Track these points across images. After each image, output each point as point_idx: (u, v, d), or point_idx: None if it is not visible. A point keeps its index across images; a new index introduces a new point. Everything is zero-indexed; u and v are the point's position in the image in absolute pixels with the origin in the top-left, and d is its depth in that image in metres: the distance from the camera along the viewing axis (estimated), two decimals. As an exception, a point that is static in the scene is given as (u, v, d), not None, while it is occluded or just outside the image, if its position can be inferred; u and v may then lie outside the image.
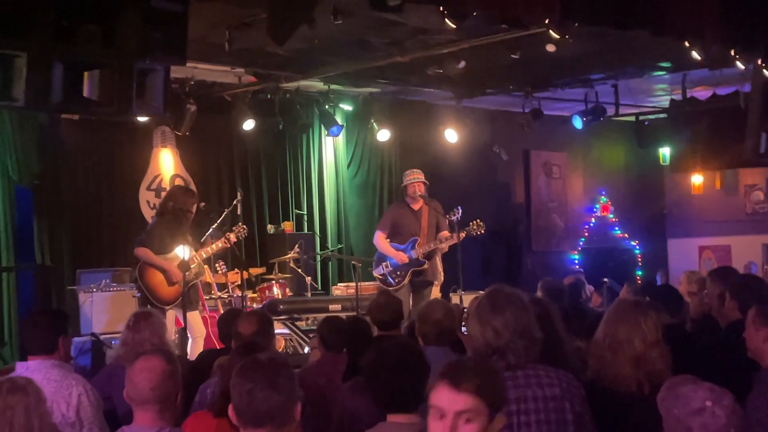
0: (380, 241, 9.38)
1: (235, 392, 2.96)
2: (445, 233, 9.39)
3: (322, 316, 8.79)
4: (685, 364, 3.68)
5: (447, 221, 9.48)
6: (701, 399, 2.92)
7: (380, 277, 9.35)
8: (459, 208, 9.57)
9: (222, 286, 9.70)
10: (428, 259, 9.35)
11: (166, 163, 10.68)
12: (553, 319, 4.14)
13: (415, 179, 9.39)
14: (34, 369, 4.27)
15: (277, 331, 8.40)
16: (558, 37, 7.05)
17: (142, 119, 9.30)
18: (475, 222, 9.37)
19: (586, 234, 14.72)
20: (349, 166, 12.24)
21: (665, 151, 14.72)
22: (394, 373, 3.26)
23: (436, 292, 9.70)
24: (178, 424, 3.54)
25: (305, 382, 4.93)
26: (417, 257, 9.23)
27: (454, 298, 9.57)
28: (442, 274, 9.92)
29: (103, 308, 8.89)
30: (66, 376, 4.32)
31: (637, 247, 14.64)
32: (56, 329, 4.54)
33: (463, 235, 9.23)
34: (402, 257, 9.21)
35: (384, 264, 9.30)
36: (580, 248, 14.53)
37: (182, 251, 7.84)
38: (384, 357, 3.35)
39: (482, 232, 9.42)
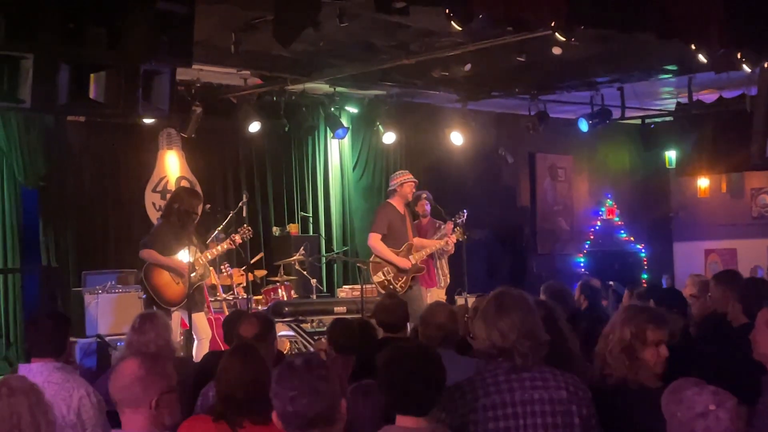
0: (378, 243, 9.17)
1: (278, 400, 2.94)
2: (420, 240, 9.42)
3: (327, 318, 8.85)
4: (688, 367, 3.67)
5: (419, 225, 9.64)
6: (705, 402, 2.92)
7: (384, 281, 9.15)
8: (464, 210, 9.59)
9: (227, 288, 9.71)
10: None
11: (171, 165, 10.68)
12: (559, 321, 4.13)
13: (412, 179, 9.37)
14: (36, 371, 4.24)
15: (282, 333, 8.44)
16: (564, 39, 7.03)
17: (148, 121, 9.28)
18: (459, 229, 9.43)
19: (592, 237, 14.70)
20: (354, 168, 12.23)
21: (671, 155, 14.73)
22: (410, 374, 3.21)
23: (441, 295, 9.68)
24: (173, 428, 3.51)
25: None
26: (416, 262, 9.21)
27: (459, 301, 9.58)
28: (448, 276, 9.91)
29: (109, 310, 8.90)
30: (68, 379, 4.29)
31: (643, 250, 14.61)
32: (62, 332, 4.54)
33: (454, 239, 9.30)
34: (405, 262, 9.14)
35: (385, 270, 9.17)
36: (585, 251, 14.50)
37: (186, 255, 7.83)
38: (402, 357, 3.32)
39: (465, 238, 9.45)
